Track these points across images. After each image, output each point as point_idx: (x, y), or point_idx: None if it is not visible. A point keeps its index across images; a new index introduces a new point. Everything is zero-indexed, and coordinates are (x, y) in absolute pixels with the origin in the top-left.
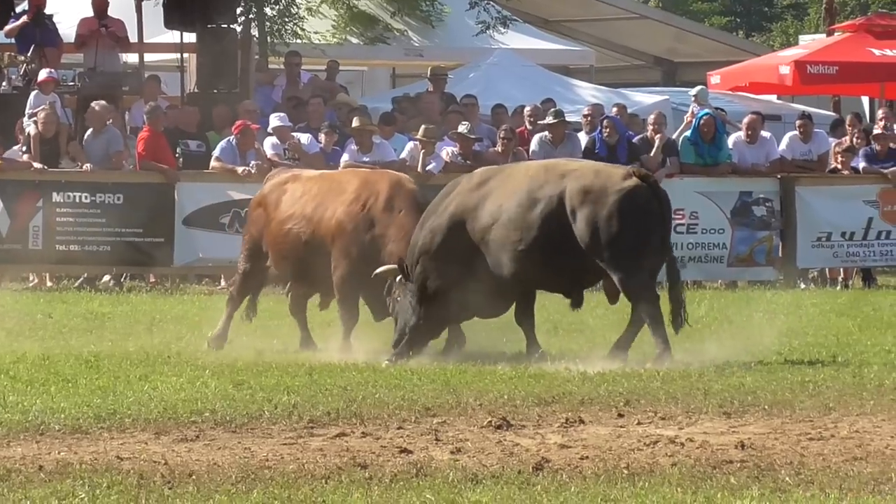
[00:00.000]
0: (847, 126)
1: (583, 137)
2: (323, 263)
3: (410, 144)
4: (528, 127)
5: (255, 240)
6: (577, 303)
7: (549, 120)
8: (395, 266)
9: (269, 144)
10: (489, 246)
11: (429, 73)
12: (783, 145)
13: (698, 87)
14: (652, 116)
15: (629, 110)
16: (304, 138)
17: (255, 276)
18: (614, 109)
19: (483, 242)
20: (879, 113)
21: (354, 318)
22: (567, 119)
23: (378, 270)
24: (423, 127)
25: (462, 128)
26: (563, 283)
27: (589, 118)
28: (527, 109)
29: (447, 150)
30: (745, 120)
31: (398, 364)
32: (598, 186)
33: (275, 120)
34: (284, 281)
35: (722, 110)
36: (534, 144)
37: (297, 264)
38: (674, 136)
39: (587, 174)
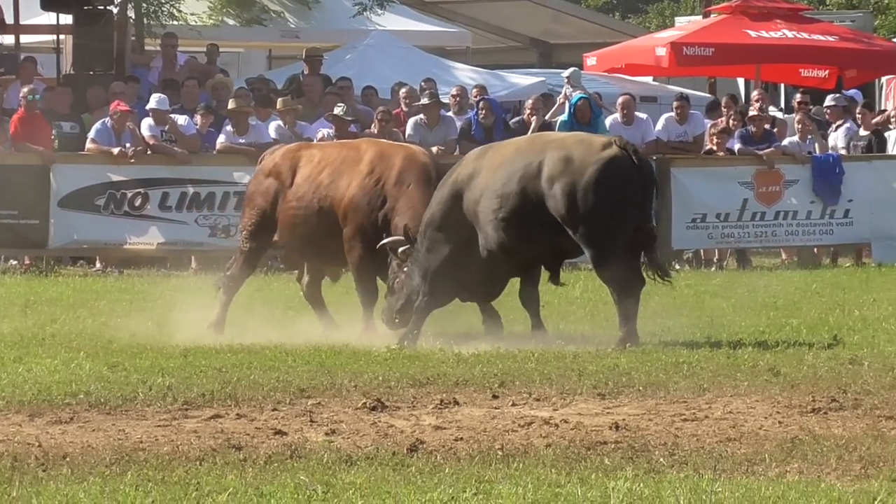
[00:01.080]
0: (723, 108)
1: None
2: (335, 236)
3: (274, 124)
4: (404, 109)
5: (264, 212)
6: (554, 278)
7: (424, 101)
8: (401, 238)
9: (146, 126)
10: (478, 218)
11: (304, 54)
12: (659, 126)
13: (571, 69)
14: (530, 100)
15: (505, 92)
16: (182, 120)
17: (258, 255)
18: (474, 91)
19: (474, 215)
20: (755, 94)
21: (373, 296)
22: (443, 101)
23: (383, 241)
24: (279, 99)
25: (338, 109)
26: (542, 256)
27: (457, 99)
28: (402, 91)
29: (322, 132)
30: (619, 100)
31: (409, 344)
32: (577, 156)
33: (153, 102)
34: (293, 259)
35: (597, 94)
36: (409, 128)
37: (310, 237)
38: (547, 118)
39: (568, 144)
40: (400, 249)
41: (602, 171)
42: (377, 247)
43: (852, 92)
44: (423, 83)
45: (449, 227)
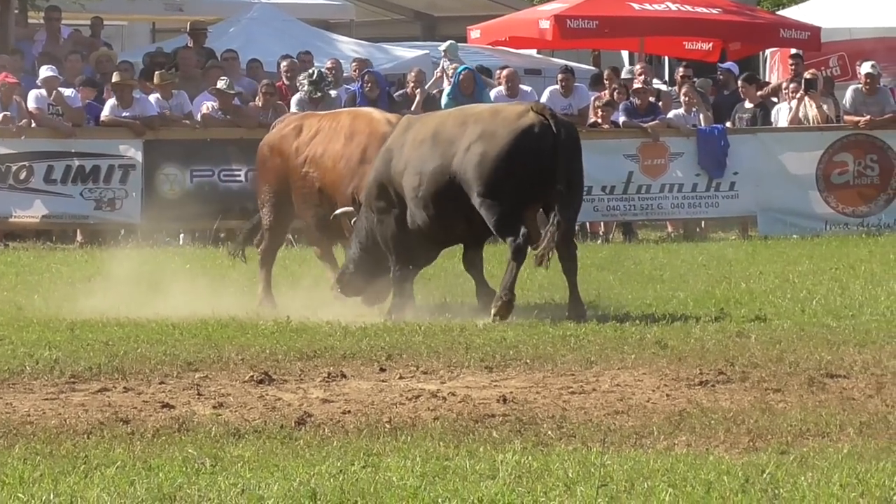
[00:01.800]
0: (605, 80)
1: None
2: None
3: (153, 97)
4: (286, 82)
5: (276, 189)
6: (472, 258)
7: (305, 90)
8: (350, 208)
9: (32, 98)
10: (403, 191)
11: (188, 27)
12: (543, 99)
13: (448, 42)
14: (412, 72)
15: (389, 65)
16: (69, 92)
17: (282, 228)
18: (353, 65)
19: (399, 187)
20: (638, 67)
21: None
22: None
23: (336, 212)
24: (156, 73)
25: (221, 83)
26: (464, 235)
27: (332, 72)
28: (283, 64)
29: (207, 105)
30: (503, 73)
31: (396, 316)
32: (493, 129)
33: (45, 72)
34: (310, 233)
35: (484, 67)
36: (294, 103)
37: (317, 211)
38: (426, 90)
39: (485, 117)
40: (352, 220)
41: (515, 140)
42: (331, 218)
43: (728, 64)
44: (301, 55)
45: (387, 194)
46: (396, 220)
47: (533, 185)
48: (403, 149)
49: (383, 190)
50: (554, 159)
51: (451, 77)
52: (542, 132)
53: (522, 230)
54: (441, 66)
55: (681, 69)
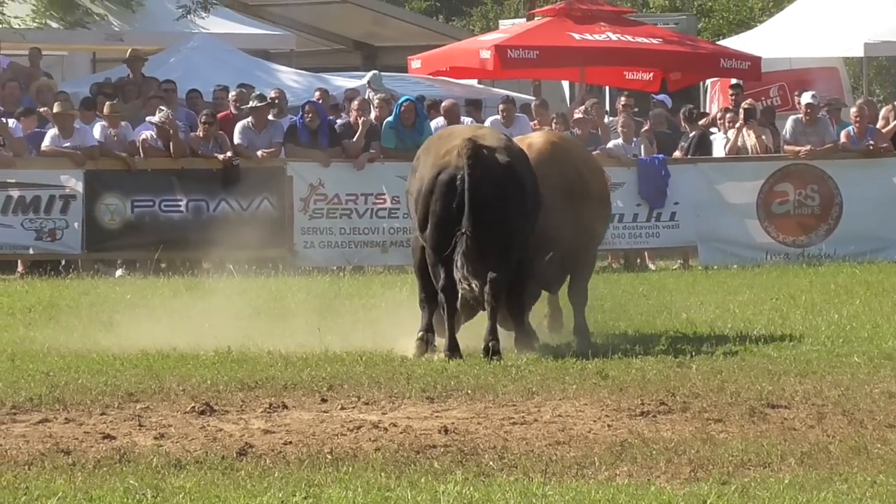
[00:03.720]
0: (533, 114)
1: None
2: None
3: (98, 126)
4: (234, 111)
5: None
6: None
7: (253, 104)
8: None
9: None
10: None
11: (127, 56)
12: None
13: (371, 73)
14: (355, 102)
15: (330, 94)
16: (11, 122)
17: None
18: (317, 94)
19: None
20: (589, 101)
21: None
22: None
23: None
24: (107, 104)
25: (159, 114)
26: None
27: (276, 101)
28: (231, 94)
29: (145, 134)
30: (444, 105)
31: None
32: (430, 163)
33: None
34: None
35: (423, 97)
36: (237, 131)
37: None
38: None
39: (434, 147)
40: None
41: (431, 181)
42: None
43: (662, 97)
44: (240, 89)
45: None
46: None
47: (445, 226)
48: (418, 169)
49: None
50: (465, 201)
51: (377, 107)
52: (451, 176)
53: (442, 277)
54: (367, 95)
55: (622, 98)
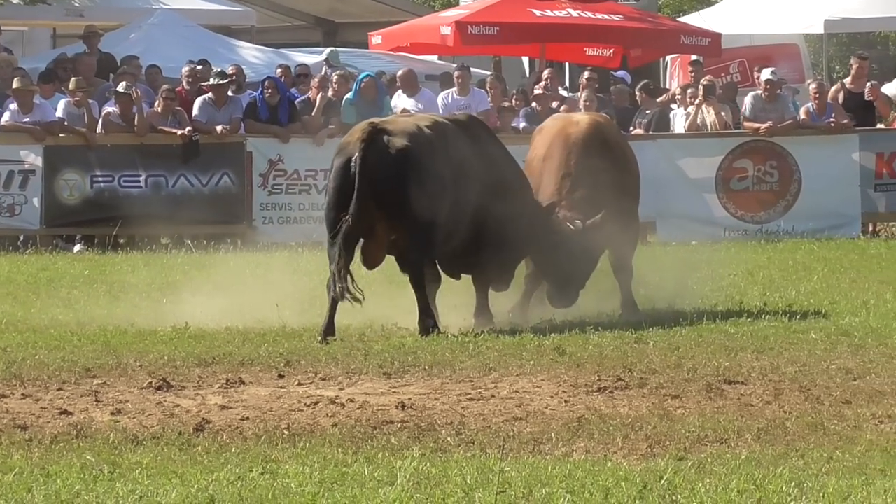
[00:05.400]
0: (488, 88)
1: None
2: None
3: (62, 103)
4: (186, 87)
5: None
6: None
7: (214, 81)
8: None
9: None
10: None
11: (83, 32)
12: (440, 101)
13: (328, 50)
14: (316, 78)
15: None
16: None
17: None
18: (278, 70)
19: None
20: (546, 73)
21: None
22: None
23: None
24: (73, 79)
25: (121, 88)
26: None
27: (234, 77)
28: (184, 70)
29: (108, 110)
30: (399, 74)
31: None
32: None
33: None
34: None
35: (384, 72)
36: (196, 107)
37: None
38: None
39: None
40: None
41: (331, 164)
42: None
43: (621, 73)
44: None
45: None
46: None
47: (338, 207)
48: None
49: None
50: (352, 185)
51: (335, 83)
52: (345, 157)
53: (336, 262)
54: (323, 72)
55: (586, 73)
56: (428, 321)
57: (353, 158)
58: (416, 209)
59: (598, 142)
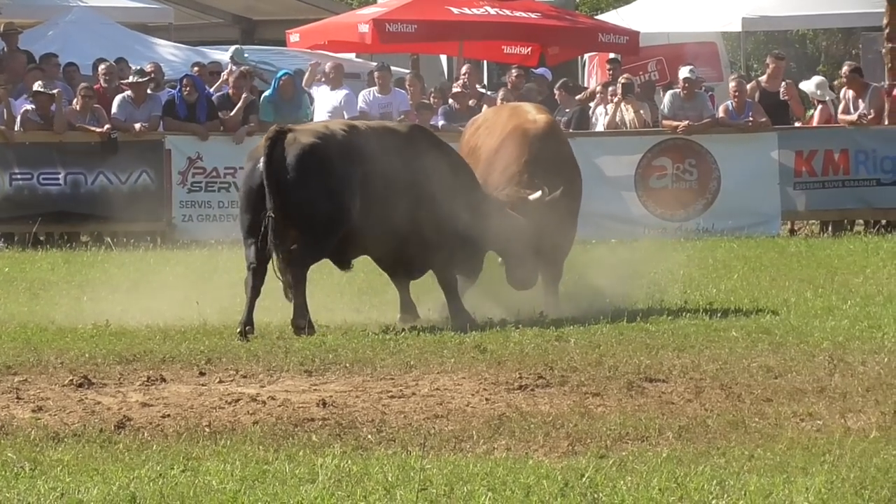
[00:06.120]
0: (407, 86)
1: None
2: None
3: None
4: (104, 85)
5: None
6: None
7: (133, 79)
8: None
9: None
10: None
11: (2, 30)
12: (360, 100)
13: (234, 47)
14: (233, 77)
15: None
16: None
17: None
18: (195, 69)
19: None
20: (464, 69)
21: None
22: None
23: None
24: None
25: (37, 86)
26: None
27: (153, 75)
28: (101, 67)
29: (26, 108)
30: (328, 66)
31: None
32: None
33: None
34: None
35: (302, 71)
36: (115, 105)
37: None
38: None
39: None
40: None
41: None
42: None
43: (542, 70)
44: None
45: None
46: None
47: (249, 210)
48: None
49: None
50: (263, 185)
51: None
52: (253, 160)
53: (250, 258)
54: (229, 69)
55: (514, 71)
56: (300, 321)
57: (260, 160)
58: (311, 208)
59: (554, 141)
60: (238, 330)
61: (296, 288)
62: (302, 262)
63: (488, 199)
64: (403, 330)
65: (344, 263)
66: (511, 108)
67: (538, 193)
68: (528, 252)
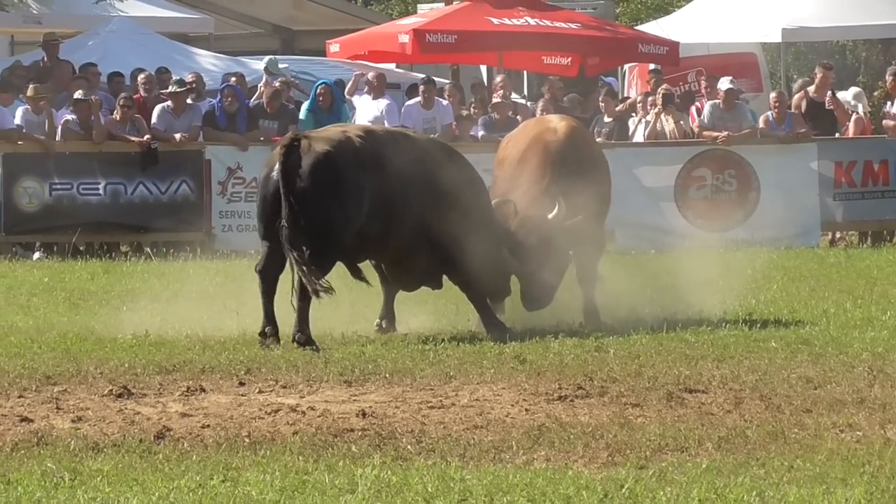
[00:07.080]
0: (447, 96)
1: None
2: None
3: (20, 110)
4: (143, 94)
5: None
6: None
7: (173, 89)
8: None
9: None
10: None
11: (42, 39)
12: (403, 112)
13: (268, 58)
14: (261, 86)
15: (248, 78)
16: None
17: None
18: (233, 79)
19: None
20: (498, 80)
21: None
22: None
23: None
24: (31, 86)
25: (78, 94)
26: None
27: (194, 85)
28: (141, 77)
29: (66, 118)
30: (370, 75)
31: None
32: None
33: None
34: None
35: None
36: (155, 115)
37: None
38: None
39: None
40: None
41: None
42: None
43: (610, 79)
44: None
45: None
46: None
47: (263, 217)
48: None
49: None
50: (277, 190)
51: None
52: (269, 165)
53: (261, 265)
54: (263, 79)
55: (549, 84)
56: (301, 336)
57: (275, 167)
58: (321, 217)
59: (574, 148)
60: (258, 332)
61: (300, 300)
62: (310, 271)
63: (496, 219)
64: (443, 340)
65: (354, 270)
66: (536, 119)
67: (555, 211)
68: (540, 272)
